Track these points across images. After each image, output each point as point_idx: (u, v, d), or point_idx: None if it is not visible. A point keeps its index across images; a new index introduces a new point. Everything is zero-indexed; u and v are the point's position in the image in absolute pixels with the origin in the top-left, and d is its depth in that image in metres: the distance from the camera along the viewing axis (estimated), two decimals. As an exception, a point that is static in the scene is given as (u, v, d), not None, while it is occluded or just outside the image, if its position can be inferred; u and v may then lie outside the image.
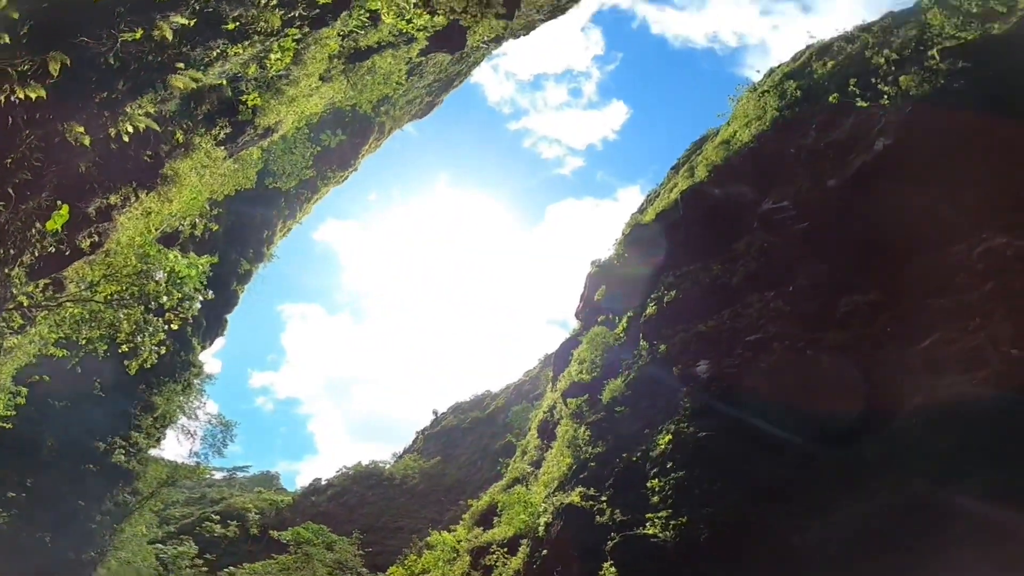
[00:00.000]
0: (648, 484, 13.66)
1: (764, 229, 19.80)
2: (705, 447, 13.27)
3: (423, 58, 27.36)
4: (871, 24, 22.91)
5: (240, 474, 62.33)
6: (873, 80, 19.35)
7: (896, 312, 13.91)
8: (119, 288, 14.67)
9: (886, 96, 18.13)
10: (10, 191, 9.87)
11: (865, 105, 18.72)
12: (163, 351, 17.07)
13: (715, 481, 12.38)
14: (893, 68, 19.45)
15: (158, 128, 11.42)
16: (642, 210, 29.04)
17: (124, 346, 15.26)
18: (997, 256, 12.92)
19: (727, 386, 14.95)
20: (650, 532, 12.25)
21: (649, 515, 12.71)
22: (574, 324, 27.92)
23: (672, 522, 12.13)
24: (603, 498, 14.43)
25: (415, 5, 19.14)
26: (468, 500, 24.49)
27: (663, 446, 14.34)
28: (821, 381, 13.27)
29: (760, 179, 21.37)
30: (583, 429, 18.16)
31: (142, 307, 15.35)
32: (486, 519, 19.85)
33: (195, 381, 32.81)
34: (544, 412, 24.13)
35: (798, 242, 17.72)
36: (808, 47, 24.80)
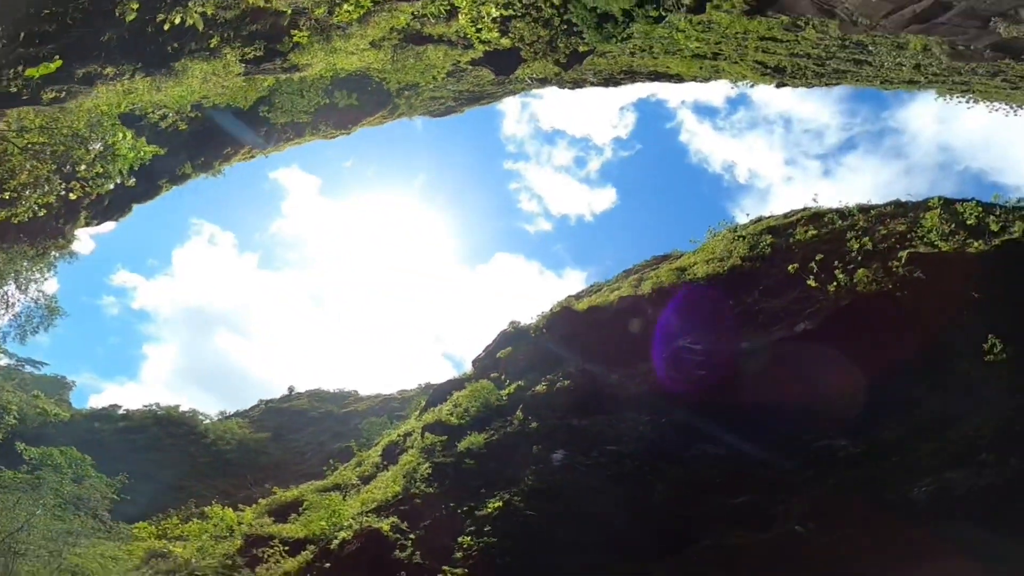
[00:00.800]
0: (459, 540, 13.42)
1: (668, 362, 20.96)
2: (528, 525, 13.36)
3: (470, 66, 27.82)
4: (873, 206, 23.79)
5: (29, 369, 53.50)
6: (838, 262, 20.53)
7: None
8: (46, 140, 13.79)
9: (836, 282, 19.39)
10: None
11: (813, 285, 20.06)
12: (42, 214, 15.86)
13: (522, 557, 12.38)
14: (859, 258, 20.55)
15: (201, 28, 11.35)
16: (579, 297, 29.67)
17: (7, 193, 14.05)
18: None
19: (572, 480, 15.36)
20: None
21: (446, 568, 12.44)
22: (468, 368, 28.07)
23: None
24: (411, 536, 14.07)
25: (494, 20, 19.93)
26: (275, 487, 22.54)
27: (491, 510, 14.27)
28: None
29: (691, 314, 22.65)
30: (426, 466, 17.92)
31: (54, 166, 14.34)
32: (283, 512, 18.55)
33: (53, 252, 29.45)
34: (398, 435, 23.52)
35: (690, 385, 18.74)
36: (805, 209, 25.90)
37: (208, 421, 48.93)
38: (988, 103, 33.07)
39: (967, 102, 32.92)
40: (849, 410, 16.03)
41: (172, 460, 39.64)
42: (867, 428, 15.34)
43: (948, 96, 32.62)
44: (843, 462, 14.58)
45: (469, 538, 13.35)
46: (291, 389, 57.05)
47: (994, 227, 20.41)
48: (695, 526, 13.81)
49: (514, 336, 27.07)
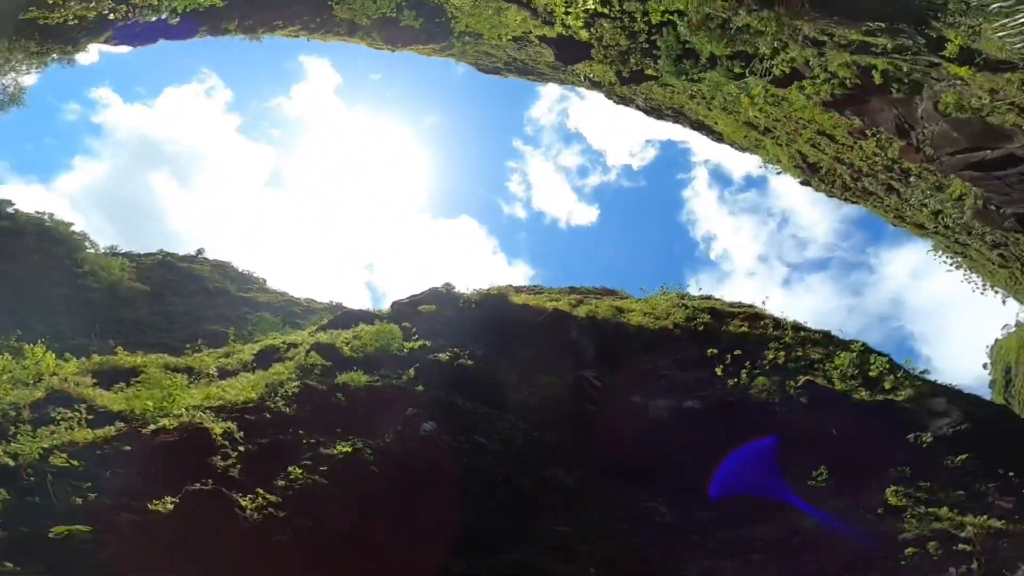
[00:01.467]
0: (290, 468, 12.31)
1: (568, 384, 21.60)
2: (366, 480, 12.82)
3: (537, 41, 27.68)
4: (806, 329, 26.00)
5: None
6: (749, 363, 22.61)
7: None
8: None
9: (737, 379, 21.34)
10: None
11: (719, 373, 21.75)
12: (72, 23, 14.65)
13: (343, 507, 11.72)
14: (768, 367, 22.71)
15: None
16: (519, 290, 29.89)
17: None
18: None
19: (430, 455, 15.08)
20: (243, 503, 10.86)
21: (260, 491, 11.31)
22: (385, 307, 27.07)
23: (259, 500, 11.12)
24: (241, 448, 12.83)
25: (585, 10, 20.07)
26: (119, 346, 19.58)
27: (337, 452, 13.36)
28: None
29: (601, 356, 24.04)
30: (295, 384, 16.82)
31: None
32: (112, 377, 15.96)
33: (54, 55, 25.64)
34: (283, 342, 22.07)
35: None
36: (750, 306, 28.16)
37: (92, 251, 44.50)
38: (968, 272, 34.67)
39: (952, 265, 34.47)
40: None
41: (29, 278, 35.18)
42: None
43: (941, 252, 34.03)
44: (658, 527, 16.42)
45: (301, 471, 12.26)
46: (199, 251, 53.21)
47: (887, 385, 22.31)
48: (514, 540, 13.81)
49: (444, 297, 26.30)
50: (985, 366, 51.54)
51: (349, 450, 13.50)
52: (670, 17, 14.80)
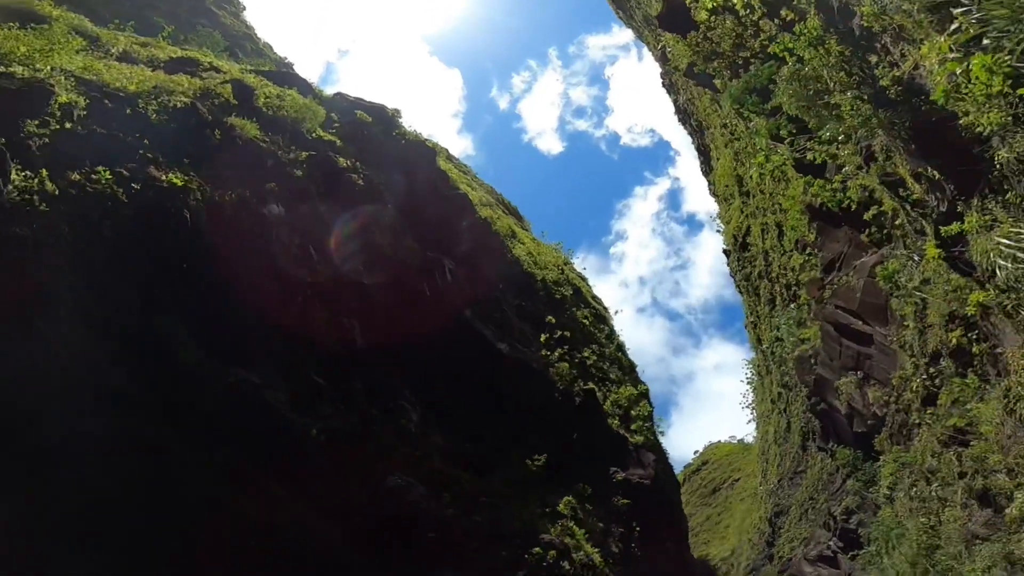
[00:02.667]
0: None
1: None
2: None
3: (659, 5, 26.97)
4: (626, 354, 31.40)
5: None
6: (565, 346, 26.54)
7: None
8: None
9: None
10: None
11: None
12: None
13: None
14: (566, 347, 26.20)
15: None
16: (449, 159, 30.41)
17: None
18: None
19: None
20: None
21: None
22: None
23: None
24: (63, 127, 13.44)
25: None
26: None
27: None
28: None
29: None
30: (183, 98, 16.87)
31: None
32: (19, 16, 15.16)
33: None
34: (207, 62, 21.65)
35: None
36: (605, 309, 32.10)
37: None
38: (749, 393, 40.31)
39: (747, 381, 39.87)
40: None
41: None
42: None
43: (751, 368, 38.79)
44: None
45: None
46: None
47: (633, 427, 27.82)
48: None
49: (384, 120, 27.36)
50: (695, 452, 68.12)
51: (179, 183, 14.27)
52: (786, 56, 14.83)
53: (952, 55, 8.05)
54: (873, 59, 11.95)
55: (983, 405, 15.03)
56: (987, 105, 7.98)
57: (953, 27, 7.90)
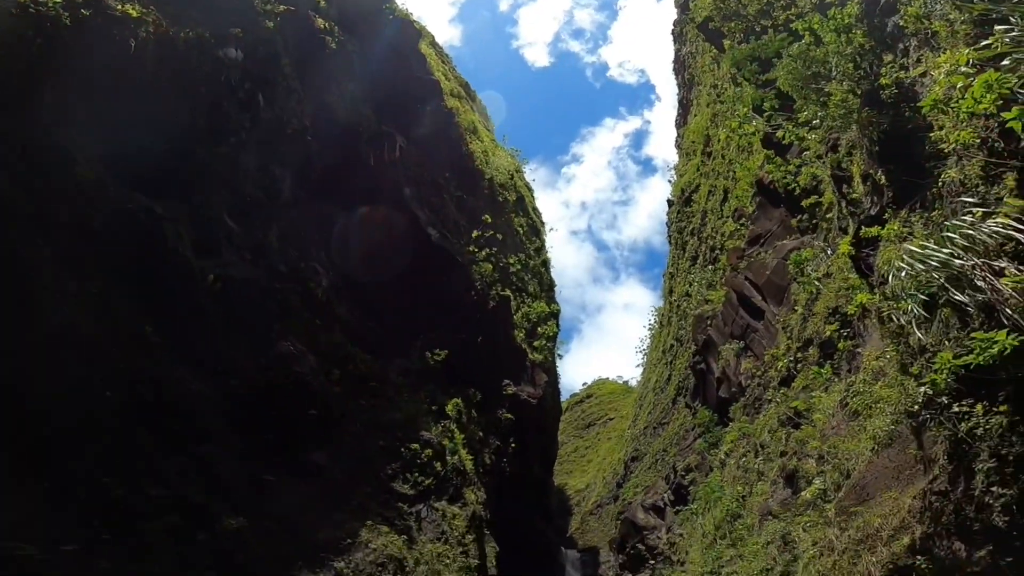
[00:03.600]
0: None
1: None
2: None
3: None
4: (548, 272, 30.97)
5: None
6: (492, 247, 24.88)
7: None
8: None
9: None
10: None
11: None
12: None
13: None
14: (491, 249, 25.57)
15: None
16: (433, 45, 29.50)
17: None
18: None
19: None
20: None
21: None
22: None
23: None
24: None
25: None
26: None
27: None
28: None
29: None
30: None
31: None
32: None
33: None
34: None
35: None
36: (543, 223, 32.60)
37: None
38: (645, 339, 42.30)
39: (649, 327, 42.04)
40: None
41: None
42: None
43: (656, 316, 40.32)
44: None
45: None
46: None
47: (536, 344, 28.19)
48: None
49: None
50: (584, 384, 70.97)
51: None
52: (807, 35, 14.68)
53: (965, 68, 7.81)
54: (888, 58, 11.78)
55: (825, 395, 16.67)
56: (965, 123, 7.86)
57: (985, 42, 7.63)
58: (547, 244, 39.59)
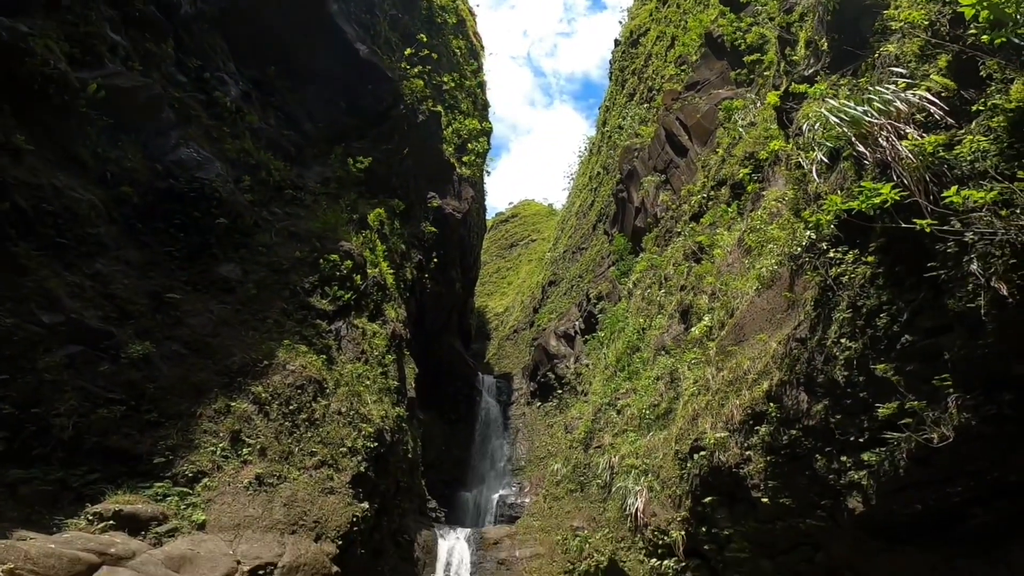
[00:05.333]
0: None
1: None
2: None
3: None
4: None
5: None
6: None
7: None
8: None
9: None
10: None
11: None
12: None
13: None
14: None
15: None
16: None
17: None
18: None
19: None
20: None
21: None
22: None
23: None
24: None
25: None
26: None
27: None
28: None
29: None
30: None
31: None
32: None
33: None
34: None
35: None
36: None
37: None
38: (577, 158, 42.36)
39: (579, 154, 42.35)
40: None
41: None
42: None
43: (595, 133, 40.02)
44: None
45: None
46: None
47: (470, 148, 26.19)
48: None
49: None
50: (510, 203, 71.91)
51: None
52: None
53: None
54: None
55: (727, 233, 17.64)
56: (920, 5, 8.01)
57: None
58: (485, 67, 38.38)
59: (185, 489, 11.44)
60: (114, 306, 12.49)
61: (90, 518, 10.07)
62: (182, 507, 11.12)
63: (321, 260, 17.61)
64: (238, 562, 10.61)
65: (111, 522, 10.11)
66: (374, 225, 21.54)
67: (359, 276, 18.47)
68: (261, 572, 10.89)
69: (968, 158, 6.75)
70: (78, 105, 13.39)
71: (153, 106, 15.57)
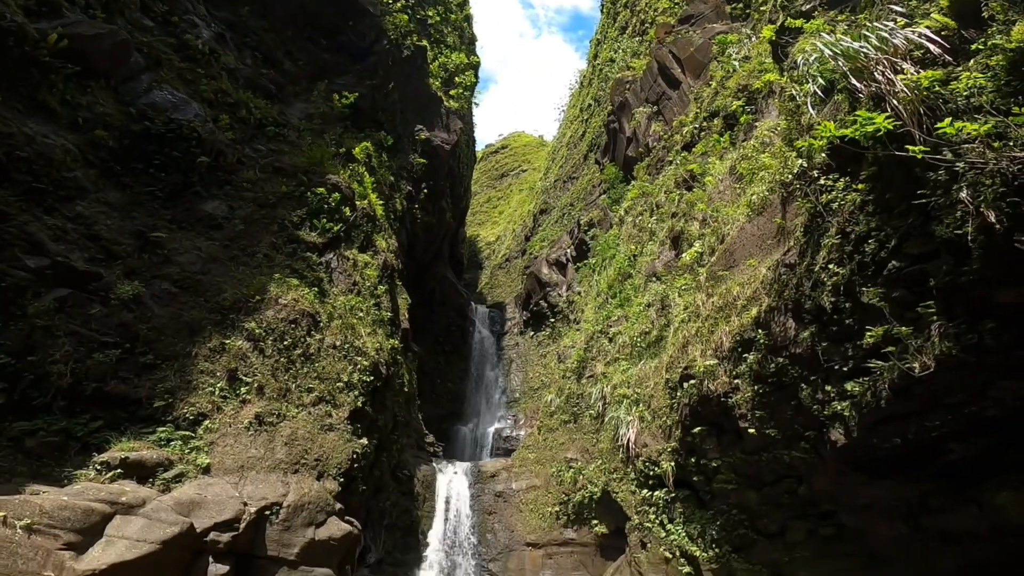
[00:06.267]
0: None
1: None
2: None
3: None
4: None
5: None
6: None
7: None
8: None
9: None
10: None
11: None
12: None
13: None
14: None
15: None
16: None
17: None
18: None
19: None
20: None
21: None
22: None
23: None
24: None
25: None
26: None
27: None
28: None
29: None
30: None
31: None
32: None
33: None
34: None
35: None
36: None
37: None
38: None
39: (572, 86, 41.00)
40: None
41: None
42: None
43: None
44: None
45: None
46: None
47: (456, 80, 25.60)
48: None
49: None
50: (500, 135, 70.68)
51: None
52: None
53: None
54: None
55: (719, 162, 17.55)
56: None
57: None
58: (471, 0, 36.90)
59: (187, 432, 11.69)
60: (99, 247, 12.40)
61: (98, 468, 10.34)
62: (186, 451, 11.40)
63: (308, 194, 17.45)
64: (245, 504, 11.01)
65: (119, 471, 10.40)
66: (361, 158, 21.26)
67: (348, 208, 18.33)
68: (267, 512, 11.31)
69: (964, 93, 6.83)
70: (39, 55, 13.09)
71: (120, 52, 15.26)
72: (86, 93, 14.01)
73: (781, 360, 9.88)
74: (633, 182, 24.52)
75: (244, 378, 13.00)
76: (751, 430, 10.80)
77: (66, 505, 8.93)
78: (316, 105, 21.47)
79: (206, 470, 11.36)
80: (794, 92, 10.31)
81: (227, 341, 13.12)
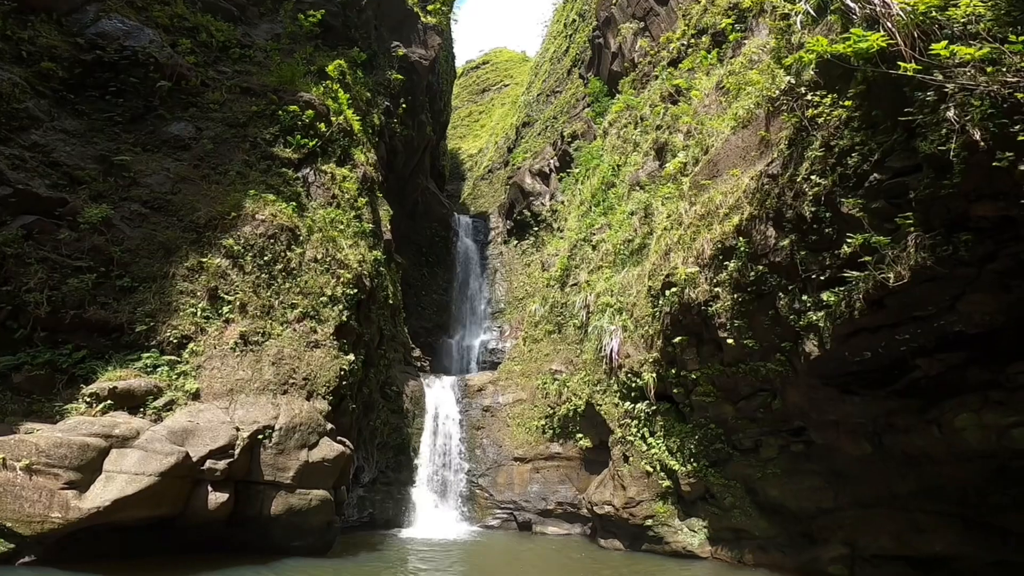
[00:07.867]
0: None
1: None
2: None
3: None
4: None
5: None
6: None
7: None
8: None
9: None
10: None
11: None
12: None
13: None
14: None
15: None
16: None
17: None
18: None
19: None
20: None
21: None
22: None
23: None
24: None
25: None
26: None
27: None
28: None
29: None
30: None
31: None
32: None
33: None
34: None
35: None
36: None
37: None
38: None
39: None
40: None
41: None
42: None
43: None
44: None
45: None
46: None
47: None
48: None
49: None
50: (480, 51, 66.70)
51: None
52: None
53: None
54: None
55: (706, 77, 17.22)
56: None
57: None
58: None
59: (173, 357, 11.63)
60: (61, 173, 11.99)
61: (88, 400, 10.30)
62: (173, 377, 11.35)
63: (280, 112, 16.94)
64: (237, 428, 10.96)
65: (109, 402, 10.34)
66: (335, 75, 20.58)
67: (323, 124, 17.87)
68: (260, 436, 11.27)
69: (961, 20, 6.84)
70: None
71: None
72: (26, 28, 13.42)
73: (761, 268, 10.00)
74: (618, 96, 23.87)
75: (226, 296, 12.81)
76: (730, 340, 11.05)
77: (61, 442, 8.92)
78: (283, 25, 20.64)
79: (195, 396, 11.35)
80: (786, 10, 10.31)
81: (205, 260, 12.86)
